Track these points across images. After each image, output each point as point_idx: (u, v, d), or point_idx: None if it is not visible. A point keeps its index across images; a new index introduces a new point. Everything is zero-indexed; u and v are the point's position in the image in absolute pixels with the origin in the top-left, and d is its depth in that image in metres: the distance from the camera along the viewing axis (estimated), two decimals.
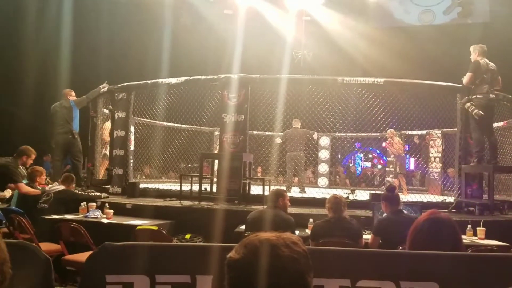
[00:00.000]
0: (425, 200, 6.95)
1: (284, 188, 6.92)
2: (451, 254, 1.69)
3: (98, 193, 6.55)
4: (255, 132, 9.79)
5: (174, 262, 1.64)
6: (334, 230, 3.90)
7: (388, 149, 9.39)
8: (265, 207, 4.84)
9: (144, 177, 9.75)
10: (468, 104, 6.31)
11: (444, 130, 8.77)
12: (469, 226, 4.73)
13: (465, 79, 6.42)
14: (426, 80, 7.33)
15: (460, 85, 6.69)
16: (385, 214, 4.25)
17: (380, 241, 4.03)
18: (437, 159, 9.10)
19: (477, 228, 4.67)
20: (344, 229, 3.93)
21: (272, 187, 6.09)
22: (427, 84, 7.19)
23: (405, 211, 4.30)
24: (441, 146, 8.91)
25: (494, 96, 6.40)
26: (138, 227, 4.58)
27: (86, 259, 1.65)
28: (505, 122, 7.76)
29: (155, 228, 4.52)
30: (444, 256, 1.68)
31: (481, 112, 6.17)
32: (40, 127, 10.88)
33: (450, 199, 7.08)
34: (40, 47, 12.56)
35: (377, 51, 12.12)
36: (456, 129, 7.09)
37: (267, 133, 9.74)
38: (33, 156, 6.17)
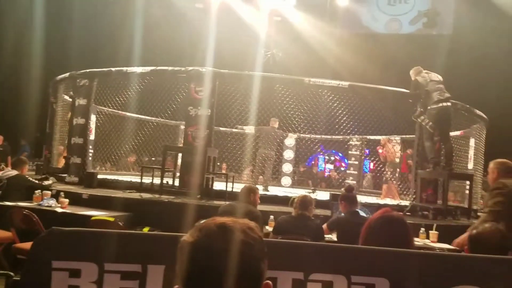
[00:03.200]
0: (381, 203, 7.13)
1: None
2: (402, 251, 1.72)
3: (50, 182, 6.28)
4: (221, 128, 9.72)
5: (125, 251, 1.59)
6: (297, 227, 3.94)
7: (382, 156, 9.19)
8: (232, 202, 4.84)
9: (104, 169, 9.50)
10: (422, 117, 6.60)
11: (403, 136, 9.00)
12: (423, 229, 4.87)
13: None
14: (393, 85, 7.51)
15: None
16: (342, 214, 4.33)
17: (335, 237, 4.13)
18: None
19: (430, 231, 4.83)
20: (307, 227, 3.97)
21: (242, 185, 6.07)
22: (391, 91, 7.37)
23: (361, 212, 4.38)
24: (400, 152, 9.13)
25: (448, 104, 6.59)
26: (93, 218, 4.45)
27: (33, 242, 1.57)
28: (462, 131, 8.08)
29: (111, 219, 4.40)
30: (395, 253, 1.71)
31: (433, 125, 6.52)
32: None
33: (405, 202, 7.29)
34: (13, 34, 12.21)
35: (347, 54, 12.35)
36: (414, 136, 7.31)
37: (233, 130, 9.68)
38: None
